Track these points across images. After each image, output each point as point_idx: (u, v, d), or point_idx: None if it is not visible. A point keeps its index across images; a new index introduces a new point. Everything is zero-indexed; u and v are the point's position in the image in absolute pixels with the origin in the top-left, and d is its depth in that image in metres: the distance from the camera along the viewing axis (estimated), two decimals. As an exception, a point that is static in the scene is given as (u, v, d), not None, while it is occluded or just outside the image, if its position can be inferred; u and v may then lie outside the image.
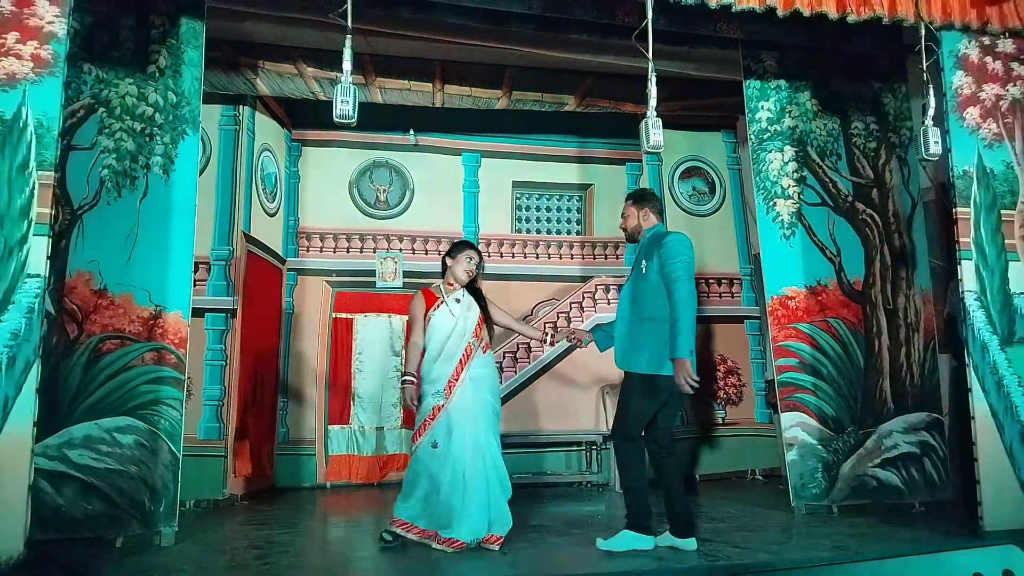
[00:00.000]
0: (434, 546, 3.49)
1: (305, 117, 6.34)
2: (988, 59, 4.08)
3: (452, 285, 3.87)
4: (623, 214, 3.76)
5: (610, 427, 6.02)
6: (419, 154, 6.69)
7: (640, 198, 3.75)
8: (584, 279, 6.65)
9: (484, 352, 3.79)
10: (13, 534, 2.85)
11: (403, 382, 3.74)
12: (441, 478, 3.54)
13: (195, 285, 4.29)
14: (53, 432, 3.59)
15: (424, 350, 3.76)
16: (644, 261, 3.55)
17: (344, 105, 3.26)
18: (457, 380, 3.66)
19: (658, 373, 3.37)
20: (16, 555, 2.84)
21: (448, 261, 3.89)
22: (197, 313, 4.74)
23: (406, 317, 6.33)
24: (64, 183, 3.78)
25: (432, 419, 3.64)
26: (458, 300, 3.82)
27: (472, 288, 3.90)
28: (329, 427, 6.10)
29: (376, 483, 6.05)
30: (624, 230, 3.77)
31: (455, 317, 3.76)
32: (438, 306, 3.80)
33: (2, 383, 2.96)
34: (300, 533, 4.26)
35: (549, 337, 4.02)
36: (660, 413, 3.50)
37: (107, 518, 3.61)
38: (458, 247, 3.93)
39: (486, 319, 3.85)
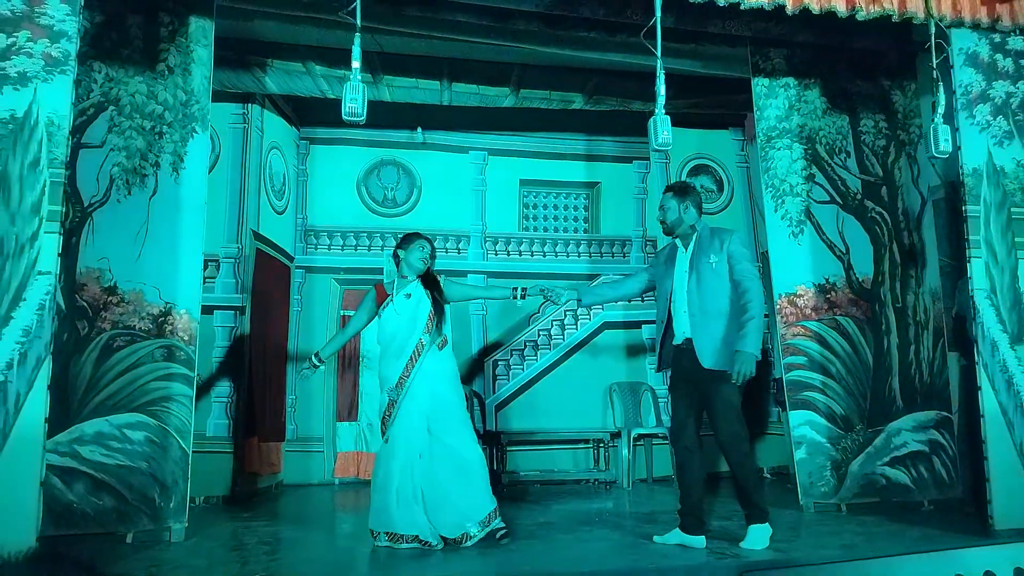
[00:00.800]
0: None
1: (313, 115, 6.35)
2: (998, 56, 4.06)
3: (406, 278, 3.83)
4: (662, 206, 3.68)
5: (617, 424, 6.05)
6: (426, 152, 6.70)
7: (682, 191, 3.69)
8: (591, 277, 6.64)
9: (441, 348, 3.76)
10: (25, 529, 2.88)
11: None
12: (391, 473, 3.57)
13: (204, 283, 4.32)
14: (64, 428, 3.62)
15: (351, 341, 3.87)
16: (712, 256, 3.52)
17: (353, 103, 3.27)
18: (408, 376, 3.65)
19: (729, 370, 3.40)
20: (28, 550, 2.87)
21: (400, 253, 3.85)
22: (206, 310, 4.76)
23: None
24: (74, 181, 3.81)
25: (388, 416, 3.65)
26: (408, 296, 3.78)
27: (428, 279, 3.86)
28: (337, 424, 6.12)
29: (384, 480, 6.06)
30: (663, 222, 3.69)
31: (400, 315, 3.74)
32: (387, 304, 3.80)
33: (14, 379, 2.98)
34: (309, 529, 4.28)
35: (520, 292, 3.97)
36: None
37: (117, 514, 3.64)
38: (408, 238, 3.89)
39: (437, 307, 3.80)
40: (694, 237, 3.63)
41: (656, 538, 3.53)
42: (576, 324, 6.49)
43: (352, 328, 3.97)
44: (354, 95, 3.26)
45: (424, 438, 3.60)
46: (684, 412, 3.59)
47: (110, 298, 3.87)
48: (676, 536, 3.47)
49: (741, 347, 3.35)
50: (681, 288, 3.58)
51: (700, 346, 3.46)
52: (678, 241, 3.70)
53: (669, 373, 3.69)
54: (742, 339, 3.35)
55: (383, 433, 3.68)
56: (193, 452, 3.83)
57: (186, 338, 3.89)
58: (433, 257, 3.87)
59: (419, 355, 3.68)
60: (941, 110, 3.86)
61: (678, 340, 3.57)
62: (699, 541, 3.42)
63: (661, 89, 3.54)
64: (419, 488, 3.56)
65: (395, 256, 3.89)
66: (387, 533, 3.56)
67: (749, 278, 3.45)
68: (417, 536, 3.51)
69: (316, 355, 3.87)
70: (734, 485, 3.57)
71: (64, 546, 3.26)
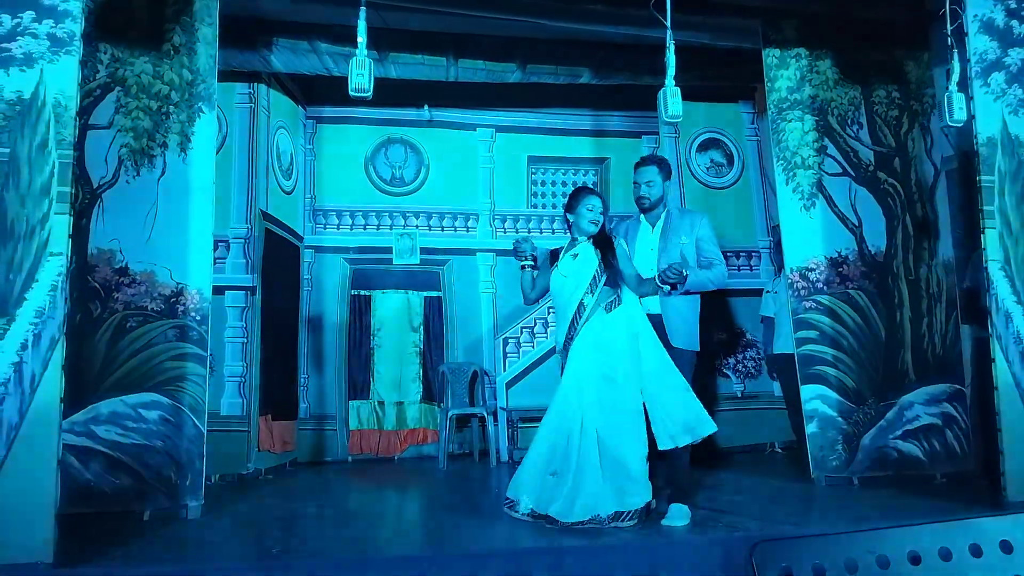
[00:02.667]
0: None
1: (320, 94, 6.32)
2: (1014, 23, 3.97)
3: (576, 240, 3.62)
4: (648, 181, 3.63)
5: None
6: (434, 130, 6.67)
7: (667, 166, 3.69)
8: (601, 253, 6.61)
9: (609, 311, 3.48)
10: (44, 507, 2.91)
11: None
12: (537, 439, 3.46)
13: (215, 263, 4.33)
14: (79, 408, 3.66)
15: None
16: (683, 237, 3.57)
17: (359, 78, 3.25)
18: (571, 339, 3.47)
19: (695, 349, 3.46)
20: (48, 529, 2.90)
21: (570, 217, 3.62)
22: (217, 291, 4.77)
23: (423, 294, 6.41)
24: (83, 162, 3.81)
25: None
26: (575, 256, 3.57)
27: (602, 239, 3.59)
28: (350, 402, 6.16)
29: (396, 457, 6.12)
30: (646, 199, 3.66)
31: (566, 276, 3.54)
32: (555, 265, 3.63)
33: (29, 360, 3.00)
34: (323, 506, 4.32)
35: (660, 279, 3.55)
36: None
37: (134, 492, 3.69)
38: (576, 196, 3.63)
39: (606, 266, 3.50)
40: (663, 215, 3.63)
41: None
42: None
43: (537, 290, 3.71)
44: (360, 71, 3.25)
45: (578, 408, 3.37)
46: None
47: (122, 279, 3.89)
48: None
49: (689, 272, 3.44)
50: (647, 266, 3.61)
51: (671, 325, 3.54)
52: (644, 218, 3.69)
53: None
54: (693, 271, 3.49)
55: None
56: (208, 431, 3.87)
57: (198, 318, 3.91)
58: (604, 213, 3.60)
59: (580, 317, 3.46)
60: (956, 78, 3.80)
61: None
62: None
63: (671, 61, 3.49)
64: (558, 460, 3.36)
65: (566, 220, 3.68)
66: (506, 498, 3.47)
67: (720, 260, 3.62)
68: (533, 510, 3.37)
69: (532, 259, 3.61)
70: (663, 461, 3.48)
71: (82, 523, 3.30)
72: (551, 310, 6.31)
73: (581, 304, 3.48)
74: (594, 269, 3.50)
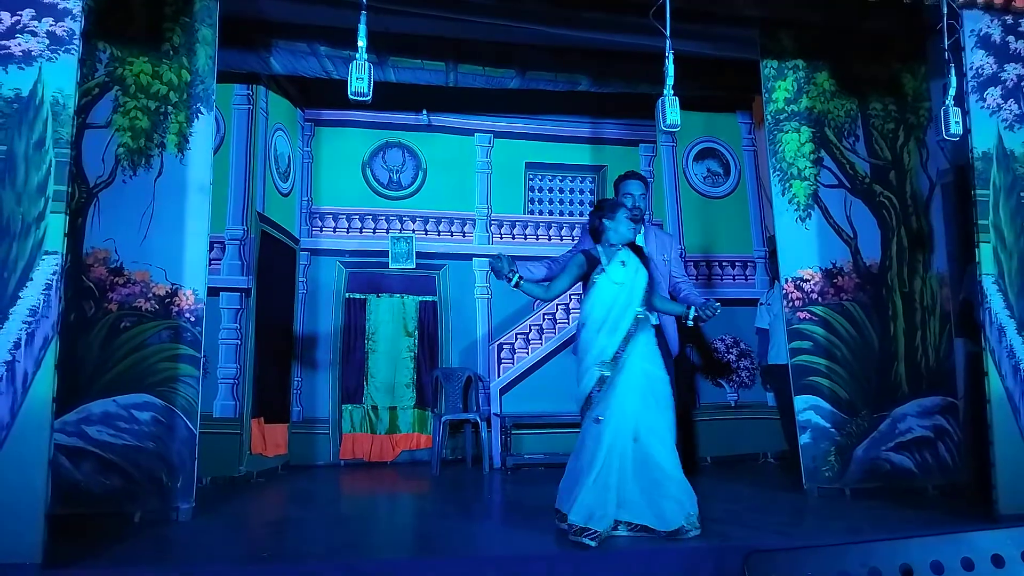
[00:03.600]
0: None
1: (318, 97, 6.33)
2: (1011, 39, 4.00)
3: (614, 246, 3.50)
4: (643, 195, 3.82)
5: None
6: (432, 134, 6.67)
7: (645, 180, 3.88)
8: (597, 261, 6.62)
9: (653, 323, 3.53)
10: (34, 507, 2.89)
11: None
12: (596, 456, 3.28)
13: (210, 264, 4.31)
14: (71, 408, 3.64)
15: (553, 295, 3.59)
16: (665, 254, 3.81)
17: (359, 82, 3.25)
18: (623, 351, 3.36)
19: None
20: (37, 530, 2.88)
21: (608, 223, 3.48)
22: (212, 292, 4.76)
23: (418, 298, 6.40)
24: (80, 162, 3.80)
25: (596, 393, 3.36)
26: (623, 263, 3.47)
27: (635, 247, 3.56)
28: (343, 406, 6.14)
29: (389, 462, 6.10)
30: (640, 211, 3.75)
31: (620, 284, 3.42)
32: (599, 271, 3.47)
33: (22, 359, 2.98)
34: (314, 509, 4.31)
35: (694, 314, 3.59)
36: None
37: (125, 493, 3.67)
38: (613, 206, 3.55)
39: (650, 278, 3.50)
40: (642, 229, 3.74)
41: None
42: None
43: (554, 291, 3.60)
44: (360, 74, 3.24)
45: (635, 420, 3.31)
46: None
47: (116, 279, 3.87)
48: None
49: (696, 299, 3.79)
50: (648, 284, 3.63)
51: (669, 334, 3.79)
52: None
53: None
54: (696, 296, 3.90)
55: (585, 411, 3.41)
56: (200, 433, 3.85)
57: (192, 319, 3.90)
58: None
59: (636, 329, 3.40)
60: (952, 92, 3.82)
61: None
62: None
63: (670, 69, 3.51)
64: (626, 474, 3.28)
65: (598, 226, 3.52)
66: (575, 524, 3.19)
67: (689, 282, 4.08)
68: (625, 523, 3.27)
69: (514, 272, 3.47)
70: None
71: (72, 524, 3.28)
72: (546, 316, 6.32)
73: (637, 317, 3.41)
74: (646, 279, 3.46)
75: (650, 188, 3.86)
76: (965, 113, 3.87)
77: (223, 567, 2.89)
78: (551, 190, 6.89)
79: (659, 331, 3.66)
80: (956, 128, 3.80)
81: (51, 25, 3.21)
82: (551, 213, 6.82)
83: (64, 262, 3.13)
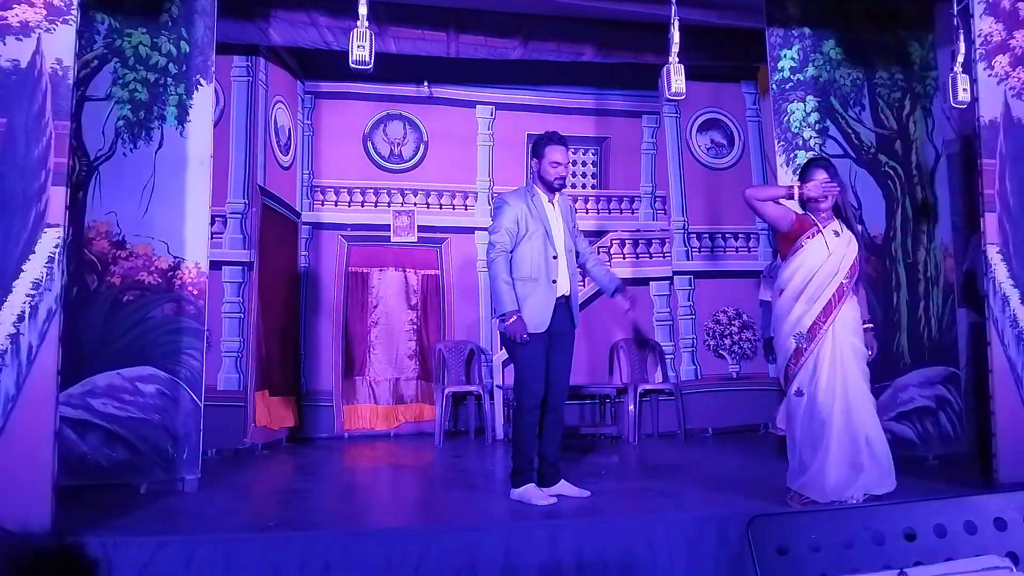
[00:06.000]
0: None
1: (318, 68, 6.26)
2: (1020, 5, 3.93)
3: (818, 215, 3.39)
4: (571, 162, 3.81)
5: (623, 380, 6.09)
6: (433, 106, 6.62)
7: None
8: (600, 234, 6.61)
9: (853, 295, 3.39)
10: (41, 479, 2.92)
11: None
12: (825, 430, 3.24)
13: (212, 238, 4.31)
14: (76, 381, 3.66)
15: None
16: (572, 220, 3.77)
17: (360, 50, 3.20)
18: (825, 323, 3.28)
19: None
20: (45, 500, 2.91)
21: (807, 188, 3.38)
22: (214, 266, 4.77)
23: (421, 271, 6.40)
24: (80, 134, 3.78)
25: (794, 366, 3.32)
26: (837, 233, 3.37)
27: (841, 214, 3.44)
28: (346, 379, 6.17)
29: (392, 434, 6.14)
30: (564, 178, 3.69)
31: (830, 252, 3.33)
32: (810, 235, 3.35)
33: (26, 332, 2.99)
34: (319, 480, 4.35)
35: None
36: None
37: (131, 465, 3.70)
38: (811, 166, 3.46)
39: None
40: (558, 196, 3.71)
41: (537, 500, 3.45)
42: (584, 281, 6.47)
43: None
44: (361, 43, 3.19)
45: (839, 391, 3.27)
46: (543, 377, 3.60)
47: (119, 252, 3.87)
48: (536, 490, 3.49)
49: (620, 283, 3.90)
50: (563, 246, 3.67)
51: (574, 301, 3.70)
52: (543, 195, 3.68)
53: (538, 333, 3.54)
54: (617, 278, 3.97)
55: (789, 383, 3.36)
56: (204, 405, 3.87)
57: (195, 292, 3.90)
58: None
59: (839, 302, 3.30)
60: (960, 59, 3.77)
61: (559, 295, 3.62)
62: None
63: (674, 37, 3.46)
64: (855, 444, 3.27)
65: (802, 191, 3.40)
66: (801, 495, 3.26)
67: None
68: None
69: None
70: (550, 437, 3.63)
71: (79, 495, 3.32)
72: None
73: (843, 286, 3.32)
74: (855, 253, 3.37)
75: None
76: (973, 81, 3.82)
77: (230, 536, 2.93)
78: (553, 162, 6.83)
79: (565, 302, 3.66)
80: (964, 95, 3.76)
81: (48, -6, 3.17)
82: (553, 185, 6.77)
83: (66, 235, 3.13)
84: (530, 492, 3.46)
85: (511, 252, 3.58)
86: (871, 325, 3.52)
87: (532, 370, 3.54)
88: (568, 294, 3.66)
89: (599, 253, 6.50)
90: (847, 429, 3.24)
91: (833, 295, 3.30)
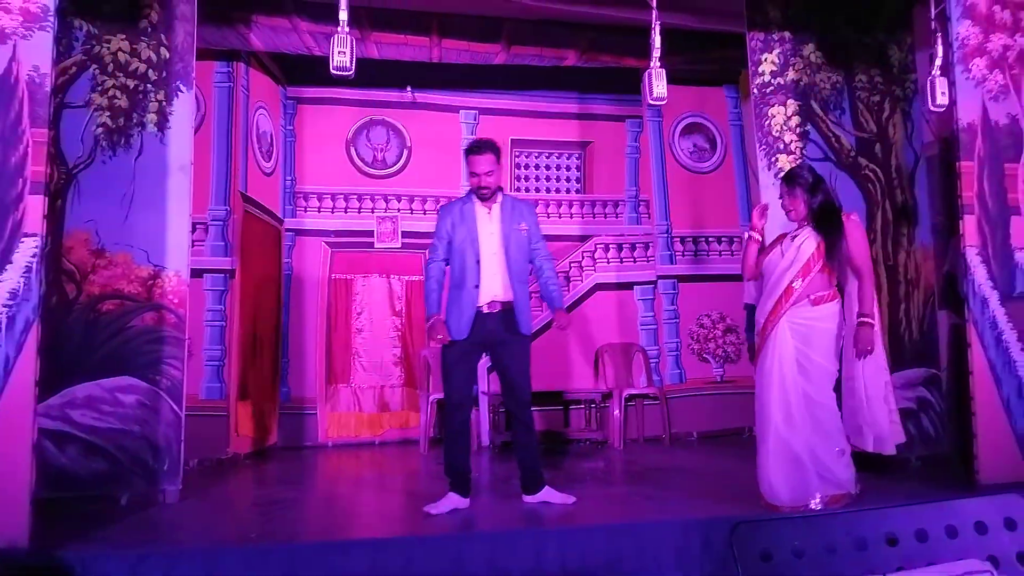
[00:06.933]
0: None
1: (300, 74, 6.23)
2: (996, 8, 3.97)
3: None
4: (489, 172, 3.54)
5: (608, 385, 6.08)
6: (416, 112, 6.60)
7: (499, 150, 3.62)
8: (583, 239, 6.62)
9: (815, 304, 3.34)
10: (19, 492, 2.87)
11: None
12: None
13: (193, 246, 4.27)
14: (55, 392, 3.60)
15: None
16: (520, 223, 3.64)
17: (341, 56, 3.18)
18: (773, 322, 3.37)
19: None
20: (23, 513, 2.87)
21: (815, 191, 3.44)
22: (196, 274, 4.72)
23: (405, 277, 6.37)
24: (58, 142, 3.73)
25: (758, 358, 3.46)
26: (794, 237, 3.48)
27: (825, 219, 3.43)
28: (330, 386, 6.13)
29: (377, 441, 6.10)
30: (488, 189, 3.57)
31: (783, 254, 3.44)
32: (777, 241, 3.56)
33: (2, 343, 2.94)
34: (302, 490, 4.31)
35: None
36: None
37: (111, 476, 3.65)
38: (798, 175, 3.50)
39: (830, 255, 3.36)
40: (499, 200, 3.63)
41: (431, 508, 3.44)
42: (568, 285, 6.48)
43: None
44: (342, 49, 3.18)
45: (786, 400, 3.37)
46: (467, 379, 3.63)
47: (98, 261, 3.83)
48: (452, 500, 3.49)
49: (560, 304, 3.77)
50: (491, 251, 3.57)
51: (519, 309, 3.57)
52: (478, 202, 3.63)
53: (461, 340, 3.52)
54: (559, 299, 3.78)
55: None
56: (186, 415, 3.83)
57: (176, 301, 3.86)
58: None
59: (786, 301, 3.38)
60: (939, 62, 3.81)
61: (482, 303, 3.55)
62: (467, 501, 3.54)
63: (656, 41, 3.48)
64: (789, 454, 3.34)
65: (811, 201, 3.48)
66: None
67: (546, 249, 3.78)
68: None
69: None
70: (520, 446, 3.64)
71: (58, 508, 3.27)
72: (532, 295, 6.31)
73: (790, 287, 3.39)
74: (810, 252, 3.40)
75: (499, 153, 3.63)
76: (951, 84, 3.86)
77: (211, 548, 2.89)
78: (538, 167, 6.84)
79: (510, 307, 3.58)
80: (943, 99, 3.80)
81: (24, 1, 3.13)
82: (538, 190, 6.79)
83: (44, 244, 3.08)
84: (445, 499, 3.48)
85: (444, 260, 3.64)
86: (867, 319, 3.37)
87: (450, 374, 3.58)
88: (505, 300, 3.57)
89: (583, 258, 6.52)
90: (785, 437, 3.29)
91: (781, 296, 3.38)
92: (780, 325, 3.35)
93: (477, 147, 3.58)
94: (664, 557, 2.82)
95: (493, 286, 3.55)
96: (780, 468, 3.27)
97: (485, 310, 3.54)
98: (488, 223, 3.61)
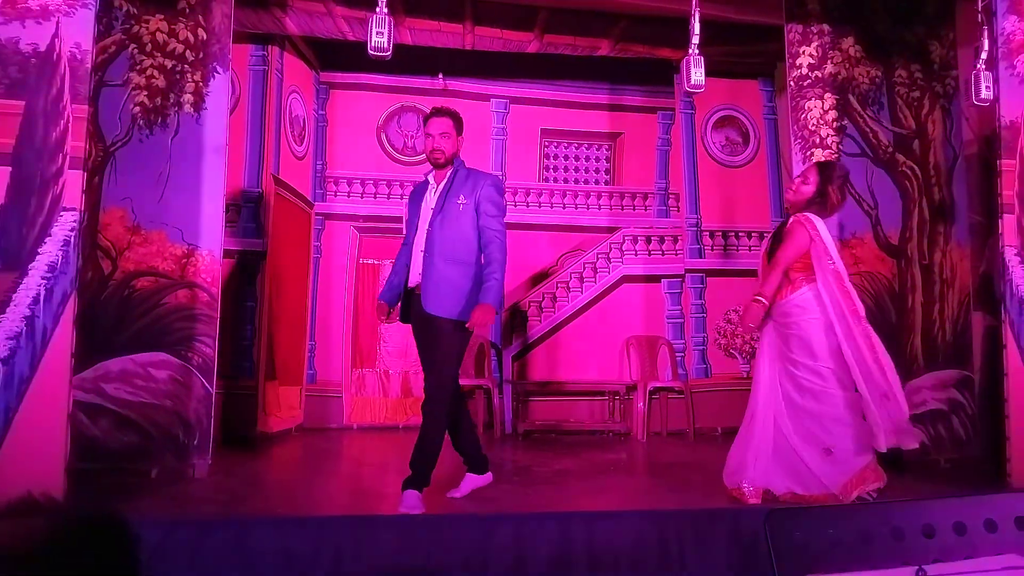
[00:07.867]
0: None
1: (334, 59, 6.26)
2: (1044, 5, 3.90)
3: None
4: (444, 133, 3.28)
5: (633, 377, 6.06)
6: (447, 99, 6.59)
7: (461, 120, 3.38)
8: (611, 230, 6.59)
9: (792, 291, 3.29)
10: (54, 461, 2.93)
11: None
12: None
13: (226, 226, 4.31)
14: (89, 366, 3.67)
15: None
16: (462, 196, 3.25)
17: (379, 37, 3.16)
18: (767, 320, 3.39)
19: (465, 320, 3.17)
20: (57, 482, 2.92)
21: (829, 188, 3.35)
22: (228, 254, 4.77)
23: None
24: (96, 119, 3.78)
25: None
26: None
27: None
28: (356, 370, 6.17)
29: (401, 425, 6.14)
30: (442, 152, 3.29)
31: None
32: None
33: (41, 314, 3.01)
34: (329, 469, 4.35)
35: None
36: None
37: (142, 450, 3.71)
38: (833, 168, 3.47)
39: (769, 255, 3.39)
40: (449, 173, 3.33)
41: (454, 493, 3.40)
42: (595, 277, 6.46)
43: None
44: (380, 29, 3.17)
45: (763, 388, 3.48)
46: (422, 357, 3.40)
47: (133, 238, 3.89)
48: (471, 481, 3.44)
49: (482, 299, 3.16)
50: (423, 227, 3.28)
51: (425, 289, 3.19)
52: (432, 177, 3.39)
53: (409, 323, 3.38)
54: (484, 292, 3.17)
55: None
56: (216, 393, 3.88)
57: (209, 279, 3.91)
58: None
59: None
60: (984, 55, 3.73)
61: (412, 282, 3.30)
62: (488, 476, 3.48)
63: (696, 27, 3.43)
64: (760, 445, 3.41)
65: (823, 190, 3.40)
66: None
67: (492, 230, 3.24)
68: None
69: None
70: (418, 439, 3.30)
71: (90, 478, 3.33)
72: (559, 285, 6.31)
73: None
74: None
75: (459, 122, 3.40)
76: (995, 80, 3.78)
77: (239, 521, 2.93)
78: (567, 157, 6.82)
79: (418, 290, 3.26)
80: (987, 93, 3.72)
81: (68, -22, 3.18)
82: (566, 181, 6.76)
83: (82, 219, 3.14)
84: (465, 481, 3.46)
85: (407, 242, 3.41)
86: (760, 298, 3.29)
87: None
88: (420, 281, 3.24)
89: (610, 249, 6.48)
90: (760, 431, 3.33)
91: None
92: (768, 325, 3.39)
93: (437, 111, 3.38)
94: (690, 543, 2.81)
95: (419, 263, 3.26)
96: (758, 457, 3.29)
97: (415, 291, 3.28)
98: (432, 197, 3.33)
